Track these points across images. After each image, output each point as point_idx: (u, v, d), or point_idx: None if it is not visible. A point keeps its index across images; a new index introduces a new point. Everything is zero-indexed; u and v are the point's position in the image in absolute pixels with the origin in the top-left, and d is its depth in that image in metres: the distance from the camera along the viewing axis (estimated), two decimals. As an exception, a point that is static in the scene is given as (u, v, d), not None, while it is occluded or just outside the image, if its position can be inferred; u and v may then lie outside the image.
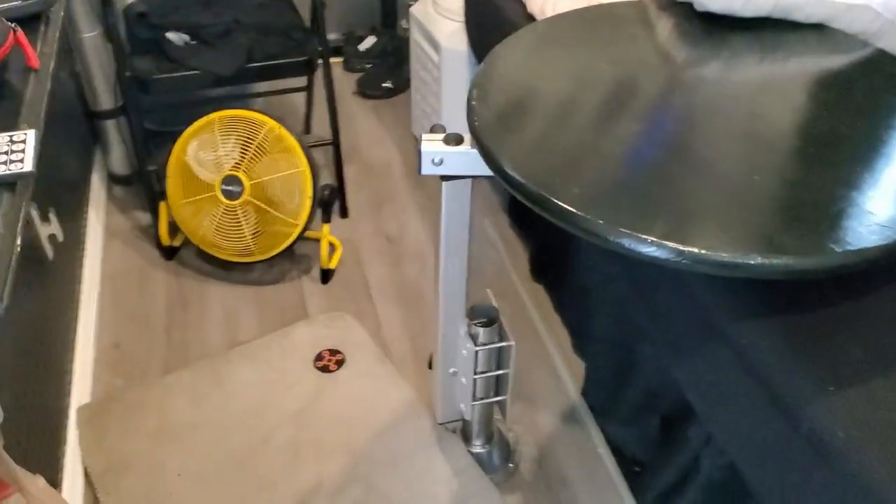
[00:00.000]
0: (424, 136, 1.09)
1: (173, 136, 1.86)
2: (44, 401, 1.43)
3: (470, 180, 1.15)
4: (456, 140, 1.08)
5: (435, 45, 2.17)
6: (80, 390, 1.60)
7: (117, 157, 2.19)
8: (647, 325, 1.21)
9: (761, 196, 0.85)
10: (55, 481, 1.39)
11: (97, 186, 2.15)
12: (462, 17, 2.07)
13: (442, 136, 1.09)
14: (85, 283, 1.82)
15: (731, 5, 1.15)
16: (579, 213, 0.82)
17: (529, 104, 1.03)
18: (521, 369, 1.74)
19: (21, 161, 0.90)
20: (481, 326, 1.35)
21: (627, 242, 0.80)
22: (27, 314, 1.39)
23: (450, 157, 1.09)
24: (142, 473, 1.49)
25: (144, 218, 2.13)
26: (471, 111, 1.01)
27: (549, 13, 1.53)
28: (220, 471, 1.49)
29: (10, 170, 0.90)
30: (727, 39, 1.17)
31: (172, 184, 1.88)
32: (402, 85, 2.71)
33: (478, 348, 1.35)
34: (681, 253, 0.78)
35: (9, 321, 1.30)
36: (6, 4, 0.96)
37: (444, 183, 1.14)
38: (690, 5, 1.23)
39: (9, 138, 0.96)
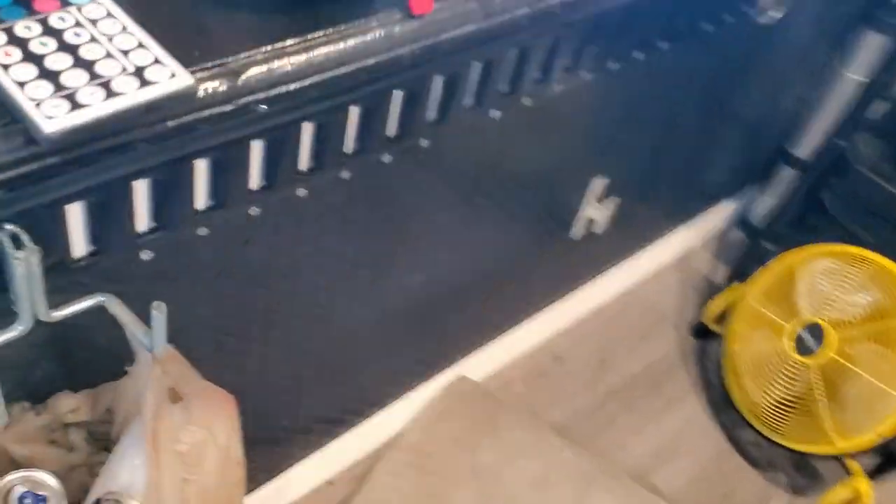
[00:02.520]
0: None
1: (831, 234, 1.42)
2: (430, 345, 1.24)
3: None
4: None
5: None
6: (477, 365, 1.37)
7: (761, 207, 1.77)
8: None
9: None
10: (363, 412, 1.22)
11: (716, 213, 1.80)
12: None
13: None
14: (589, 284, 1.53)
15: None
16: None
17: None
18: None
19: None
20: None
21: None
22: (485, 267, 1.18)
23: None
24: (422, 482, 1.24)
25: (722, 276, 1.73)
26: None
27: None
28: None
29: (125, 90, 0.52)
30: None
31: (763, 277, 1.43)
32: None
33: None
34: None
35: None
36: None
37: None
38: None
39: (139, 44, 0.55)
